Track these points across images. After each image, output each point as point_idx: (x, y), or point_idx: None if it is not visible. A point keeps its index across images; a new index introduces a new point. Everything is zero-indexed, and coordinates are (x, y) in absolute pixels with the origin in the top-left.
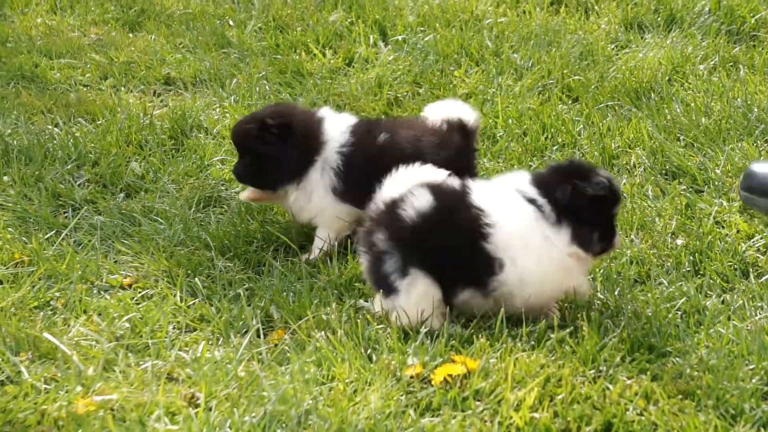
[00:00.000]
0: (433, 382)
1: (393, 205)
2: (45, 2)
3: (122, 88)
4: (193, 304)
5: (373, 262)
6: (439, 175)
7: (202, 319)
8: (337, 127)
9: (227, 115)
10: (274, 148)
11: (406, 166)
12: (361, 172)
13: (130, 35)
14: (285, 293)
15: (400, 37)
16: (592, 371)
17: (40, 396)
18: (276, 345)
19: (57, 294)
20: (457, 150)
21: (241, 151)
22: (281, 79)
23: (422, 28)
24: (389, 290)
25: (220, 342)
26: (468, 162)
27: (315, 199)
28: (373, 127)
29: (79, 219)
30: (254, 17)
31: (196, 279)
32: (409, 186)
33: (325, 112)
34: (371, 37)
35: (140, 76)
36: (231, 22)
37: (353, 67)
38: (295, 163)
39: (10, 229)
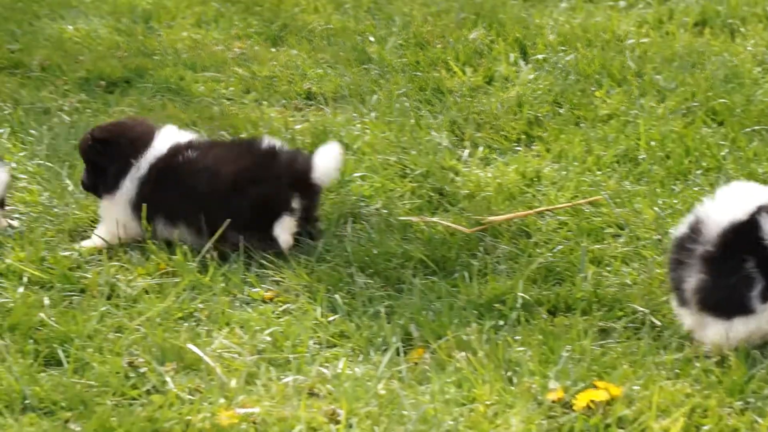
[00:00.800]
0: (574, 408)
1: (751, 225)
2: (190, 16)
3: (264, 102)
4: (333, 320)
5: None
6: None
7: (342, 335)
8: (163, 144)
9: (367, 131)
10: (102, 159)
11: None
12: (156, 188)
13: (273, 50)
14: (425, 312)
15: (540, 56)
16: (740, 403)
17: (185, 406)
18: (416, 364)
19: (200, 305)
20: (278, 185)
21: (83, 161)
22: (421, 96)
23: (563, 48)
24: (740, 311)
25: (360, 359)
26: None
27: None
28: (191, 146)
29: (221, 231)
30: (395, 34)
31: (336, 295)
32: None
33: (166, 129)
34: (511, 55)
35: (282, 91)
36: (371, 38)
37: (493, 85)
38: (113, 174)
39: (155, 240)
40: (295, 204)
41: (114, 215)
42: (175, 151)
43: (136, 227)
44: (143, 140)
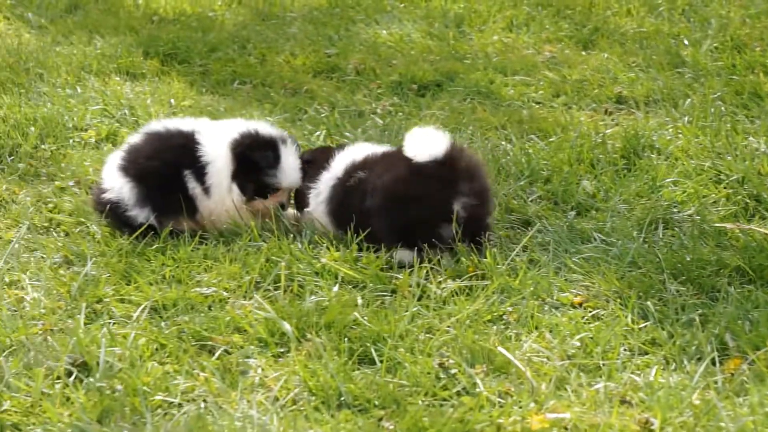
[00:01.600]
0: None
1: None
2: (501, 20)
3: (574, 106)
4: (645, 327)
5: None
6: None
7: (654, 343)
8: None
9: (680, 135)
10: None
11: None
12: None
13: (583, 53)
14: (741, 321)
15: None
16: None
17: (495, 409)
18: (732, 374)
19: (510, 309)
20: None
21: None
22: (737, 101)
23: None
24: None
25: (672, 367)
26: None
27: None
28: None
29: (531, 235)
30: (710, 36)
31: (648, 302)
32: None
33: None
34: None
35: (592, 95)
36: (686, 42)
37: None
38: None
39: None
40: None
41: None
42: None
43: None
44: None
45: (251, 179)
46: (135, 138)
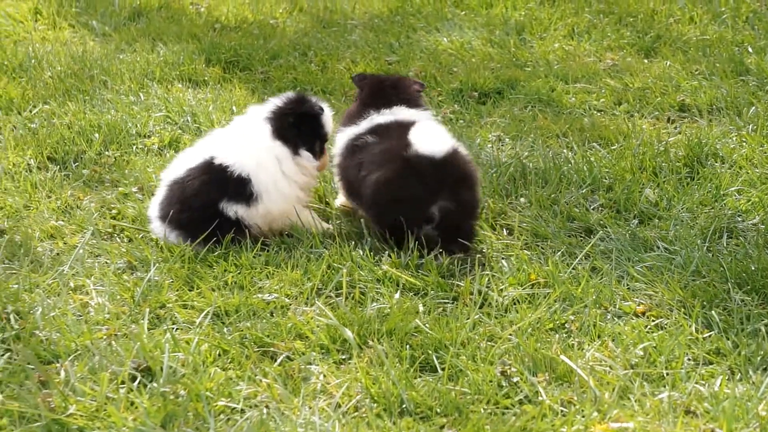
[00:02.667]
0: None
1: None
2: (563, 28)
3: (636, 114)
4: (709, 336)
5: None
6: None
7: (719, 353)
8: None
9: (744, 144)
10: None
11: None
12: None
13: (645, 61)
14: None
15: None
16: None
17: (558, 418)
18: None
19: (572, 317)
20: None
21: None
22: None
23: None
24: None
25: (738, 378)
26: None
27: None
28: None
29: (593, 243)
30: None
31: (712, 311)
32: None
33: None
34: None
35: (655, 103)
36: (750, 49)
37: None
38: None
39: (526, 251)
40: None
41: None
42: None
43: None
44: None
45: (312, 135)
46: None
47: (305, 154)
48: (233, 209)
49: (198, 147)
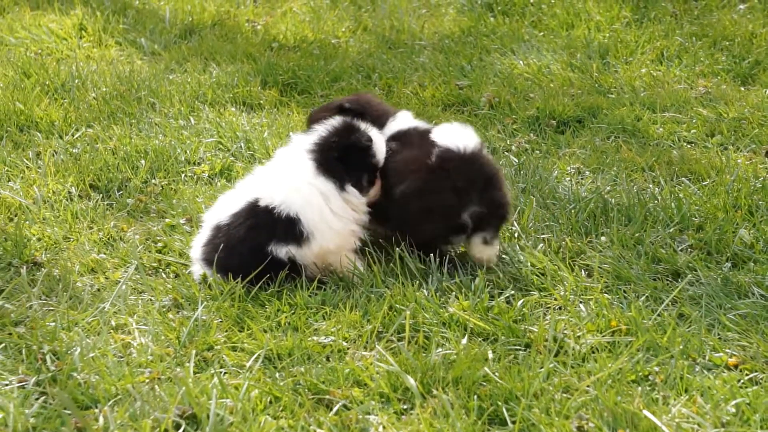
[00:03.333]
0: None
1: None
2: (651, 51)
3: (730, 147)
4: None
5: None
6: None
7: None
8: None
9: None
10: None
11: None
12: None
13: (742, 89)
14: None
15: None
16: None
17: None
18: None
19: (656, 368)
20: None
21: None
22: None
23: None
24: None
25: None
26: None
27: None
28: None
29: (681, 287)
30: None
31: None
32: None
33: None
34: None
35: (752, 135)
36: None
37: None
38: None
39: (607, 294)
40: None
41: None
42: None
43: None
44: None
45: (360, 168)
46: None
47: (351, 190)
48: (284, 250)
49: (240, 188)
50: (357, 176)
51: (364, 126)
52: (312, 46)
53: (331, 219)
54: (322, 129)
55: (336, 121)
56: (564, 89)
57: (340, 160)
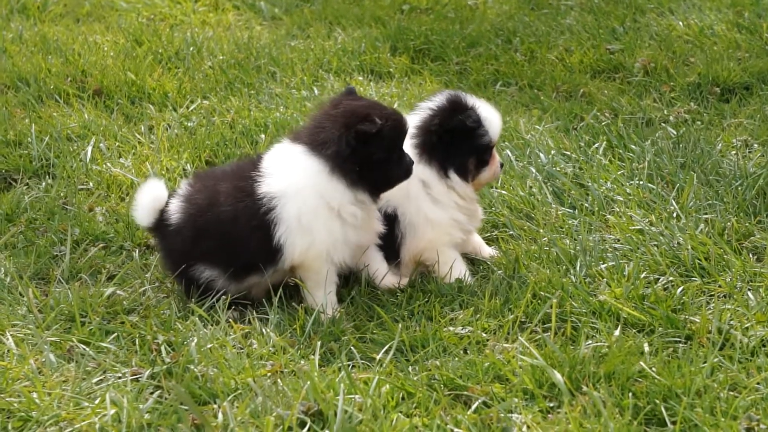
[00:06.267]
0: None
1: None
2: None
3: None
4: None
5: None
6: None
7: None
8: None
9: None
10: None
11: None
12: None
13: None
14: None
15: None
16: None
17: None
18: None
19: None
20: None
21: None
22: None
23: None
24: None
25: None
26: None
27: None
28: None
29: None
30: None
31: None
32: None
33: None
34: None
35: None
36: None
37: None
38: None
39: None
40: None
41: None
42: None
43: None
44: None
45: (467, 152)
46: None
47: (454, 176)
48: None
49: None
50: (461, 161)
51: (473, 102)
52: (446, 9)
53: (432, 209)
54: (425, 107)
55: (443, 95)
56: (729, 52)
57: (442, 144)
